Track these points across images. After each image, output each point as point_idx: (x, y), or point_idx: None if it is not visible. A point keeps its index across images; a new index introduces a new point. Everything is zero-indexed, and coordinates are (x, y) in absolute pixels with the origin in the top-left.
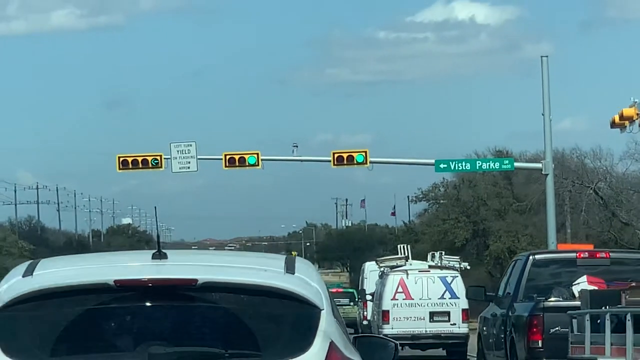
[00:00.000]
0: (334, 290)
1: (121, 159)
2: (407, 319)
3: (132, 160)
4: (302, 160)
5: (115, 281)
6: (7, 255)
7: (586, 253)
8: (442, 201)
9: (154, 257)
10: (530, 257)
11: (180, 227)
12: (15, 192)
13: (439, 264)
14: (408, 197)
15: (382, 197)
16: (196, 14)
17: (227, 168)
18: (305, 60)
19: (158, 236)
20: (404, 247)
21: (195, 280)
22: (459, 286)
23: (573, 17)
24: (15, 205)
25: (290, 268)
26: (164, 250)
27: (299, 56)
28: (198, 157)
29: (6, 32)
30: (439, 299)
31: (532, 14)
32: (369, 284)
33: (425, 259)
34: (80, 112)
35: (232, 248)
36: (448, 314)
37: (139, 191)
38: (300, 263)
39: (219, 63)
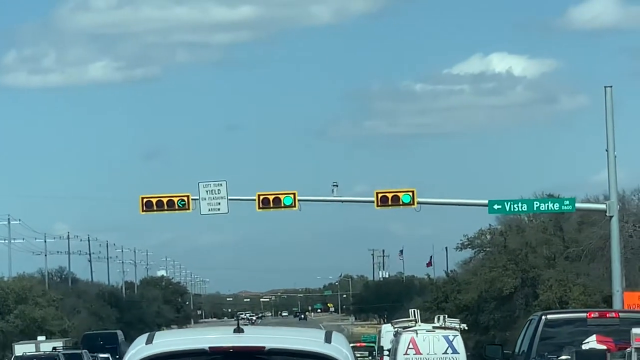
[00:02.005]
0: (357, 344)
1: (144, 200)
2: None
3: (157, 202)
4: (342, 201)
5: (209, 347)
6: (34, 305)
7: (596, 313)
8: (488, 249)
9: (234, 331)
10: (543, 317)
11: (215, 278)
12: (45, 241)
13: (443, 325)
14: (446, 247)
15: (419, 249)
16: (235, 67)
17: (261, 210)
18: (343, 113)
19: (238, 317)
20: (414, 311)
21: (264, 347)
22: (459, 343)
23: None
24: (46, 255)
25: (328, 339)
26: (241, 326)
27: (337, 108)
28: (229, 197)
29: (43, 84)
30: (442, 353)
31: (569, 65)
32: (385, 342)
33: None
34: (117, 163)
35: (268, 300)
36: None
37: (174, 244)
38: (335, 335)
39: (257, 116)
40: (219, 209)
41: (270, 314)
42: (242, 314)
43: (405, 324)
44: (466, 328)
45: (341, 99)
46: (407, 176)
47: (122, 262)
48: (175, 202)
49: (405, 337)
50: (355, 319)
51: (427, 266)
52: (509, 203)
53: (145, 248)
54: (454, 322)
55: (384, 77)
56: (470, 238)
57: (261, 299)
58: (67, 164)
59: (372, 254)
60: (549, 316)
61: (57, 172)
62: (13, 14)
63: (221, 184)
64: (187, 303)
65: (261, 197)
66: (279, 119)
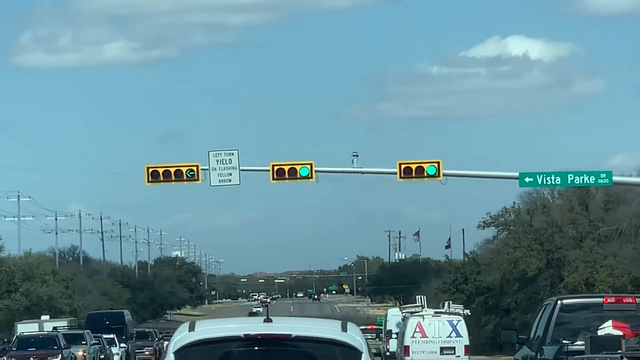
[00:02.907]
0: (368, 327)
1: (150, 170)
2: (423, 352)
3: (164, 172)
4: (362, 172)
5: (244, 334)
6: (41, 282)
7: (612, 298)
8: (512, 227)
9: (264, 321)
10: (558, 302)
11: (230, 259)
12: (56, 219)
13: (448, 311)
14: (463, 230)
15: (435, 231)
16: (250, 49)
17: (275, 181)
18: (359, 95)
19: (267, 309)
20: (421, 297)
21: (290, 335)
22: (462, 328)
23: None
24: (57, 233)
25: (344, 328)
26: (270, 317)
27: (352, 91)
28: (241, 168)
29: (59, 64)
30: (447, 337)
31: (585, 50)
32: (391, 325)
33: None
34: (132, 143)
35: (282, 281)
36: (454, 348)
37: (189, 224)
38: (350, 325)
39: (272, 98)
40: (230, 180)
41: (280, 296)
42: (255, 294)
43: (413, 310)
44: (469, 314)
45: (357, 81)
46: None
47: (136, 242)
48: (184, 172)
49: (413, 322)
50: (371, 300)
51: (446, 248)
52: (541, 175)
53: (159, 228)
54: (458, 308)
55: (399, 60)
56: (493, 216)
57: (276, 280)
58: (82, 143)
59: (389, 236)
60: (564, 301)
61: (72, 152)
62: None
63: (232, 153)
64: (201, 284)
65: (275, 168)
66: (294, 101)
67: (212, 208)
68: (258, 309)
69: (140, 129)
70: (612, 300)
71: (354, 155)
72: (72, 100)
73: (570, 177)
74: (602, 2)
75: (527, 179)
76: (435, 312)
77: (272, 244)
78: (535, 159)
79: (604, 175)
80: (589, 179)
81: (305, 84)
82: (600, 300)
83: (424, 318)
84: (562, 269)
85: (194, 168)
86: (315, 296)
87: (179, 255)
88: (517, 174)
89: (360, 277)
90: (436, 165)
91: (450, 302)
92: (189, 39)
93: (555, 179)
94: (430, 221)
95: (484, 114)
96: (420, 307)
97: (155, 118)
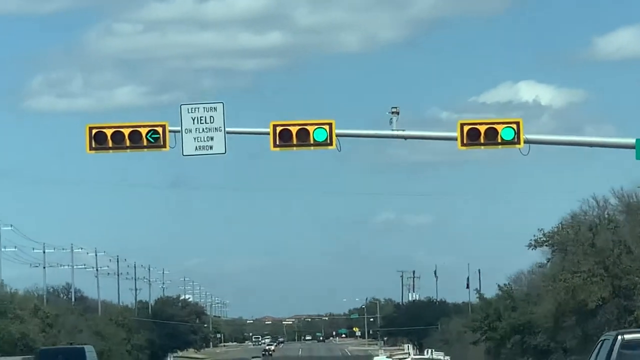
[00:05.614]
0: None
1: (94, 131)
2: None
3: (114, 134)
4: (404, 137)
5: None
6: (14, 319)
7: None
8: (569, 247)
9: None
10: (619, 337)
11: (236, 302)
12: (44, 252)
13: (431, 357)
14: (479, 270)
15: (447, 274)
16: (261, 93)
17: (277, 149)
18: (367, 140)
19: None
20: (408, 346)
21: None
22: None
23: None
24: (44, 267)
25: None
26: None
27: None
28: (227, 130)
29: (69, 108)
30: None
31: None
32: None
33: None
34: (144, 189)
35: (290, 323)
36: None
37: (194, 266)
38: None
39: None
40: (211, 147)
41: (286, 339)
42: (258, 337)
43: (400, 356)
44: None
45: (367, 125)
46: (431, 203)
47: (135, 279)
48: (143, 135)
49: None
50: (384, 343)
51: (467, 287)
52: None
53: (162, 267)
54: (439, 355)
55: (409, 105)
56: (547, 234)
57: (283, 322)
58: (92, 186)
59: (402, 276)
60: (626, 336)
61: (81, 194)
62: (40, 38)
63: (215, 108)
64: (206, 325)
65: (278, 130)
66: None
67: (218, 250)
68: (271, 346)
69: (149, 175)
70: None
71: (392, 113)
72: (82, 144)
73: None
74: (612, 49)
75: None
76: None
77: (279, 287)
78: (546, 204)
79: None
80: None
81: None
82: None
83: None
84: (631, 300)
85: (159, 129)
86: (322, 338)
87: (187, 297)
88: (632, 141)
89: (372, 319)
90: (514, 127)
91: (433, 350)
92: (198, 83)
93: None
94: (441, 264)
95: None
96: (407, 354)
97: (166, 164)
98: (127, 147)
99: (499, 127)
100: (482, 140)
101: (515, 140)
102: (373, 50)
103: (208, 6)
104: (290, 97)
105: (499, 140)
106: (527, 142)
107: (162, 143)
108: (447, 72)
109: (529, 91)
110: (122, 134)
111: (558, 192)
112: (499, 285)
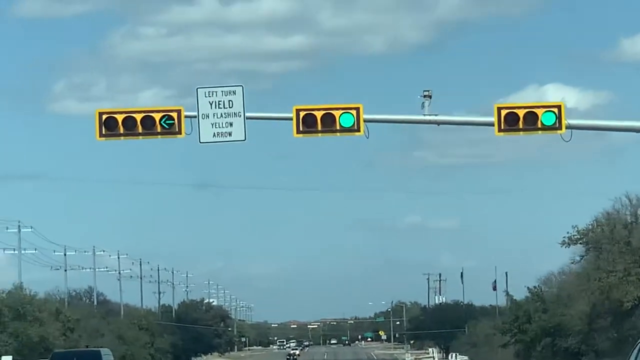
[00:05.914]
0: None
1: (105, 116)
2: None
3: (125, 120)
4: (437, 123)
5: None
6: (34, 321)
7: None
8: (604, 245)
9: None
10: None
11: (261, 305)
12: (65, 254)
13: None
14: (506, 273)
15: (474, 276)
16: (285, 96)
17: (301, 135)
18: (393, 141)
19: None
20: (433, 350)
21: None
22: None
23: None
24: (66, 270)
25: None
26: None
27: (386, 139)
28: (247, 115)
29: (94, 111)
30: None
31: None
32: None
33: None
34: (166, 191)
35: (315, 327)
36: None
37: (219, 270)
38: None
39: (305, 144)
40: (230, 134)
41: (312, 343)
42: (283, 341)
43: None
44: None
45: (391, 130)
46: (457, 208)
47: (158, 282)
48: (157, 120)
49: None
50: (410, 347)
51: (493, 290)
52: None
53: (185, 271)
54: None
55: (434, 108)
56: (582, 230)
57: (308, 326)
58: (113, 187)
59: (428, 279)
60: None
61: (103, 196)
62: (64, 42)
63: (234, 91)
64: (230, 329)
65: (302, 114)
66: (328, 150)
67: (243, 253)
68: (295, 350)
69: (174, 176)
70: None
71: (424, 97)
72: (107, 148)
73: None
74: (638, 50)
75: None
76: None
77: (305, 290)
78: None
79: None
80: None
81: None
82: None
83: None
84: None
85: (174, 114)
86: (347, 342)
87: (211, 301)
88: None
89: (398, 322)
90: (555, 111)
91: (457, 353)
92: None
93: None
94: (468, 266)
95: (523, 159)
96: (432, 358)
97: (191, 166)
98: (139, 134)
99: (539, 112)
100: (520, 126)
101: (557, 125)
102: (397, 52)
103: (232, 9)
104: (314, 100)
105: (539, 126)
106: (568, 127)
107: (177, 129)
108: (473, 74)
109: (555, 93)
110: (134, 119)
111: (586, 194)
112: (528, 288)
